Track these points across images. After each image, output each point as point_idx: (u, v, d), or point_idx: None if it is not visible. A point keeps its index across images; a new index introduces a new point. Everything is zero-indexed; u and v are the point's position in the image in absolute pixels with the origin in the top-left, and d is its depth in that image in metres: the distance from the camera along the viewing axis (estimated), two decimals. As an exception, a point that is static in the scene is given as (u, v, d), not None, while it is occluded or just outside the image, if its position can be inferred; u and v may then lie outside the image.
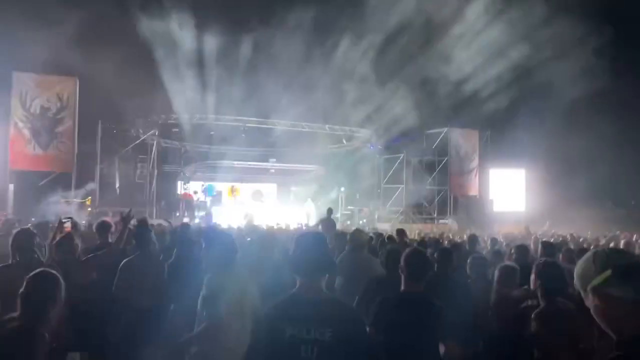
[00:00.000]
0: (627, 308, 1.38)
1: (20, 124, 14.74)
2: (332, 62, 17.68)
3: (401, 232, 7.23)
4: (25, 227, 4.08)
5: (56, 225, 5.73)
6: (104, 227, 4.95)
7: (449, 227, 18.14)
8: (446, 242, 8.39)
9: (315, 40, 16.96)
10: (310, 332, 2.16)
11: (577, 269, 1.53)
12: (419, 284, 3.03)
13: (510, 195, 22.10)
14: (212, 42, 16.44)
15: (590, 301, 1.46)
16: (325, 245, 2.48)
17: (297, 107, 18.20)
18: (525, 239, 9.63)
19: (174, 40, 16.03)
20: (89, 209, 15.82)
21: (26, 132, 14.77)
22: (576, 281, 1.52)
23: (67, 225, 4.93)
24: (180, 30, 15.98)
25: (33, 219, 9.06)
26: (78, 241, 4.40)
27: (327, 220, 9.23)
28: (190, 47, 16.42)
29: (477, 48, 17.42)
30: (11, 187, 13.92)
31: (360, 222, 18.70)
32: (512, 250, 5.36)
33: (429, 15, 16.64)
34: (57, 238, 4.38)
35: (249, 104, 18.12)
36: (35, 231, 3.94)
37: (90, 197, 16.41)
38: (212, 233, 2.47)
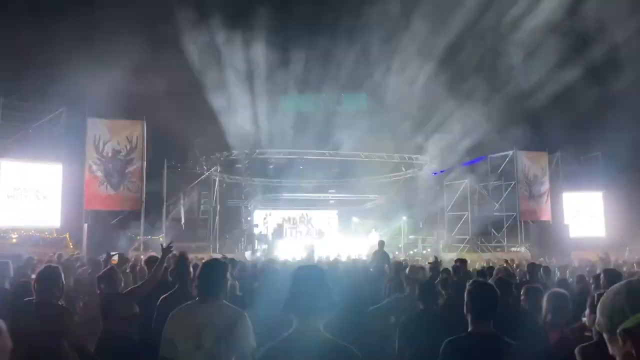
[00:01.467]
0: None
1: (94, 167, 15.67)
2: (388, 87, 17.58)
3: (462, 262, 6.76)
4: (53, 265, 4.14)
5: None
6: (152, 261, 4.98)
7: (521, 256, 17.06)
8: (517, 271, 7.78)
9: (369, 66, 17.00)
10: None
11: (603, 304, 1.17)
12: (487, 322, 2.64)
13: (588, 220, 20.56)
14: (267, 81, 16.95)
15: (618, 347, 1.11)
16: (325, 281, 2.16)
17: (355, 136, 18.16)
18: (604, 266, 8.76)
19: (230, 80, 16.64)
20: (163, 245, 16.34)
21: (99, 174, 15.67)
22: (600, 319, 1.17)
23: (115, 259, 5.03)
24: (235, 72, 16.60)
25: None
26: (122, 275, 4.44)
27: (380, 252, 8.95)
28: (246, 85, 16.99)
29: (542, 62, 16.60)
30: (85, 226, 14.71)
31: (424, 251, 18.05)
32: (591, 280, 4.81)
33: (487, 34, 16.15)
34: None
35: (307, 136, 18.33)
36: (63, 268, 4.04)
37: (163, 235, 16.95)
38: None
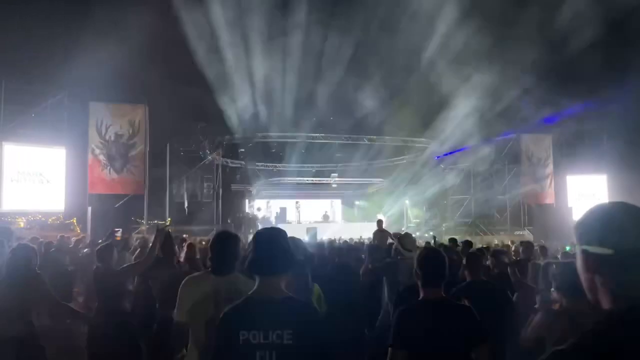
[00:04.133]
0: None
1: (97, 151, 15.70)
2: (389, 71, 17.40)
3: (468, 243, 6.82)
4: (24, 243, 4.31)
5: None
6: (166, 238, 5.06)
7: (524, 239, 17.07)
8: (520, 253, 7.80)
9: (370, 49, 16.82)
10: (267, 336, 1.95)
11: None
12: (437, 289, 2.62)
13: (592, 204, 20.40)
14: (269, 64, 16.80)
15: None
16: (285, 240, 2.20)
17: (356, 120, 18.07)
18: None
19: (233, 64, 16.51)
20: (169, 229, 16.41)
21: (102, 158, 15.70)
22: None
23: (118, 235, 5.13)
24: (236, 55, 16.44)
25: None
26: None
27: (380, 232, 8.95)
28: (249, 69, 16.85)
29: (541, 41, 16.32)
30: (89, 210, 14.79)
31: (427, 234, 18.08)
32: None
33: (481, 15, 15.87)
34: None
35: (308, 120, 18.25)
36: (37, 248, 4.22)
37: (170, 219, 16.96)
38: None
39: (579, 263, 1.19)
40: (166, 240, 4.46)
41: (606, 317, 1.08)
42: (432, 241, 7.56)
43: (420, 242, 14.18)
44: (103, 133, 15.84)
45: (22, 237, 7.80)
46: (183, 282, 2.87)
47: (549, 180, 20.49)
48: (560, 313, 2.83)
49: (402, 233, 8.01)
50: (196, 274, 2.98)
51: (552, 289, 3.51)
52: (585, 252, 1.16)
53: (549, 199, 20.48)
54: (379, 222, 9.54)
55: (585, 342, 1.04)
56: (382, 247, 6.96)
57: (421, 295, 2.66)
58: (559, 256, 7.14)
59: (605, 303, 1.12)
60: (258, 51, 16.81)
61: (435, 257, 2.70)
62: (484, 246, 8.56)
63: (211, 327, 2.56)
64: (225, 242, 2.96)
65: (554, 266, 3.35)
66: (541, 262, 5.02)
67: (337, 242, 10.77)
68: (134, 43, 14.05)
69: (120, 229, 9.19)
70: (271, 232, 2.28)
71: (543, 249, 7.28)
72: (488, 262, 5.51)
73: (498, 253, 5.69)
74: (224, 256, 2.90)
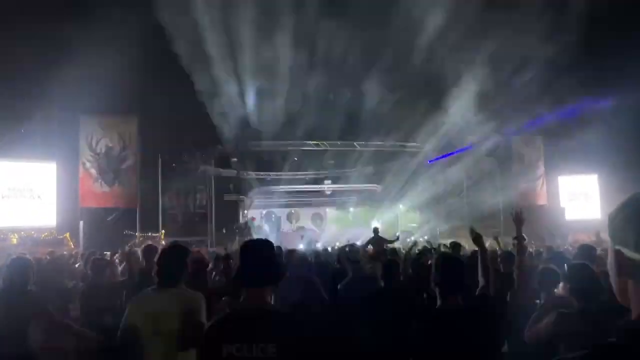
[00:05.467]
0: None
1: (88, 164, 15.60)
2: (377, 75, 17.46)
3: (456, 247, 6.82)
4: (20, 257, 4.18)
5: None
6: (150, 251, 4.96)
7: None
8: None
9: (358, 53, 16.88)
10: (251, 349, 1.93)
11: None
12: (456, 297, 2.58)
13: (583, 203, 20.66)
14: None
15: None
16: (271, 252, 2.21)
17: (345, 125, 18.10)
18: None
19: (223, 73, 16.51)
20: (163, 242, 16.31)
21: (93, 171, 15.59)
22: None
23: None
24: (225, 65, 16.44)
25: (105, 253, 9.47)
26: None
27: (377, 240, 9.00)
28: (240, 78, 16.86)
29: (528, 40, 16.43)
30: (81, 224, 14.66)
31: (421, 238, 18.10)
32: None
33: (470, 16, 15.97)
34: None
35: (298, 127, 18.25)
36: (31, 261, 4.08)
37: (162, 232, 16.88)
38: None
39: (610, 263, 1.07)
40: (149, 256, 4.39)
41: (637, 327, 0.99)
42: (411, 247, 7.52)
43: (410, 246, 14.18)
44: (94, 146, 15.75)
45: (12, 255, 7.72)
46: (130, 301, 2.94)
47: (540, 181, 20.62)
48: (575, 315, 2.81)
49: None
50: (142, 292, 2.98)
51: (555, 290, 3.51)
52: (618, 254, 1.04)
53: (542, 200, 20.60)
54: (376, 230, 9.65)
55: (613, 351, 0.94)
56: (379, 252, 7.01)
57: (439, 303, 2.63)
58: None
59: (637, 310, 1.01)
60: (248, 60, 16.85)
61: (454, 264, 2.68)
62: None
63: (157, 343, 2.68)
64: (171, 256, 2.98)
65: (565, 267, 3.35)
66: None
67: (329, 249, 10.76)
68: (124, 55, 14.02)
69: (108, 253, 9.09)
70: (257, 244, 2.28)
71: (539, 252, 7.32)
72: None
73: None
74: (169, 270, 2.91)
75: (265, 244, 2.25)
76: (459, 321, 2.50)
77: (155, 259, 3.05)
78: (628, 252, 1.01)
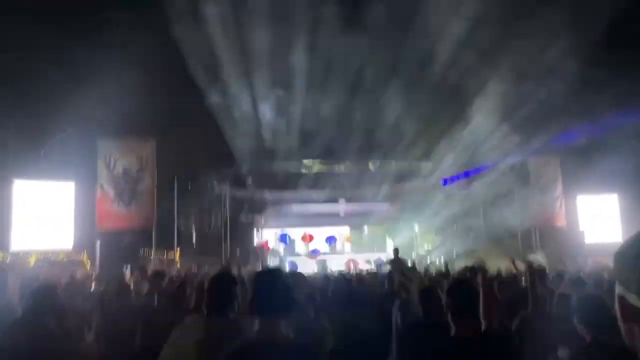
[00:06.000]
0: None
1: (106, 185, 15.77)
2: (394, 93, 17.48)
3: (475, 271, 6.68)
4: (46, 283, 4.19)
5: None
6: (158, 276, 5.01)
7: (538, 261, 16.80)
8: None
9: (374, 71, 16.93)
10: None
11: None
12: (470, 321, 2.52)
13: (604, 225, 20.23)
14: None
15: None
16: (286, 280, 2.22)
17: (360, 146, 18.10)
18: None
19: (239, 95, 16.70)
20: (178, 265, 16.34)
21: (111, 193, 15.76)
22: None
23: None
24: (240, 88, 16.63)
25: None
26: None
27: (396, 261, 8.91)
28: (255, 99, 17.04)
29: (545, 59, 16.32)
30: (98, 243, 14.78)
31: (437, 261, 17.88)
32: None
33: (486, 34, 15.94)
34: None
35: (313, 147, 18.31)
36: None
37: (179, 250, 16.95)
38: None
39: (617, 307, 1.03)
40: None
41: None
42: (426, 271, 7.45)
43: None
44: (111, 168, 15.95)
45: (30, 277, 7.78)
46: (174, 330, 2.81)
47: (558, 202, 20.29)
48: (588, 349, 2.69)
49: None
50: (189, 320, 2.89)
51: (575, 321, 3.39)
52: (621, 299, 1.00)
53: (560, 221, 20.24)
54: (396, 251, 9.63)
55: None
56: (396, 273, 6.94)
57: (452, 330, 2.56)
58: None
59: None
60: (263, 80, 17.02)
61: (467, 288, 2.64)
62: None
63: None
64: (220, 283, 2.93)
65: (574, 298, 3.25)
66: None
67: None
68: (141, 77, 14.30)
69: (129, 266, 9.15)
70: (271, 273, 2.29)
71: (559, 275, 7.17)
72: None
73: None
74: (220, 299, 2.85)
75: (279, 272, 2.26)
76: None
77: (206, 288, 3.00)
78: (631, 297, 0.97)
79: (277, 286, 2.14)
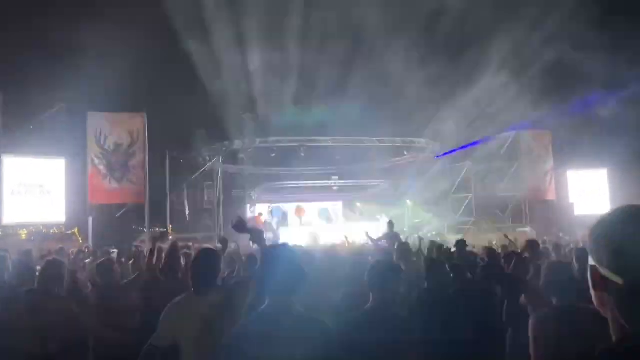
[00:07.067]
0: None
1: (97, 160, 15.68)
2: (385, 70, 17.39)
3: (461, 244, 6.79)
4: (55, 258, 4.22)
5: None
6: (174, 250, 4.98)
7: (527, 236, 17.04)
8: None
9: (365, 49, 16.81)
10: (279, 355, 1.91)
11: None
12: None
13: (593, 198, 20.49)
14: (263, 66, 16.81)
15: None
16: (296, 258, 2.19)
17: (354, 121, 18.05)
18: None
19: (231, 70, 16.50)
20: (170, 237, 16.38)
21: (102, 168, 15.68)
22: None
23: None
24: (234, 60, 16.41)
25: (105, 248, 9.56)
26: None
27: (391, 234, 8.97)
28: (247, 74, 16.85)
29: (540, 36, 16.24)
30: (90, 219, 14.78)
31: (429, 234, 18.03)
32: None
33: (478, 10, 15.82)
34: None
35: (306, 123, 18.24)
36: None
37: (170, 226, 16.96)
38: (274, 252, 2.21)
39: (589, 276, 1.11)
40: (171, 251, 4.38)
41: (616, 342, 1.02)
42: (419, 242, 7.50)
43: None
44: (102, 143, 15.83)
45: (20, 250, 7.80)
46: (167, 307, 2.85)
47: (549, 177, 20.48)
48: (549, 314, 2.73)
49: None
50: (177, 299, 2.94)
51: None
52: (594, 269, 1.08)
53: (550, 195, 20.47)
54: (391, 224, 9.58)
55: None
56: (390, 247, 7.03)
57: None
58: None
59: (616, 325, 1.05)
60: (256, 56, 16.82)
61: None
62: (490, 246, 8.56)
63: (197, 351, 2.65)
64: (205, 259, 2.97)
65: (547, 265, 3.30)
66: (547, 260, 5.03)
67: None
68: (132, 52, 14.09)
69: (116, 250, 9.09)
70: (283, 250, 2.24)
71: (557, 246, 7.34)
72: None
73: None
74: (205, 274, 2.90)
75: (289, 251, 2.22)
76: None
77: (185, 262, 3.06)
78: (602, 270, 1.05)
79: (286, 265, 2.11)
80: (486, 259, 5.78)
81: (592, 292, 1.12)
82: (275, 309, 2.05)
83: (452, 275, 4.16)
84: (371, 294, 2.73)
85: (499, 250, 7.46)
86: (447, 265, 4.27)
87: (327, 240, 12.77)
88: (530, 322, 2.61)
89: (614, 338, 1.05)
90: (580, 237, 13.36)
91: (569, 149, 20.63)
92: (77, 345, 3.46)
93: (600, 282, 1.06)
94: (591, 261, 1.10)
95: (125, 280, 4.56)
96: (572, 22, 15.19)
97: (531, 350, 2.50)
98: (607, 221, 1.11)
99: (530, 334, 2.55)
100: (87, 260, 8.03)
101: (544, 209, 19.93)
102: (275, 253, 2.22)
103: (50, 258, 4.39)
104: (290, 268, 2.10)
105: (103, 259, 4.68)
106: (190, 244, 10.88)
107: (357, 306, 2.82)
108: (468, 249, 6.93)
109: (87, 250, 10.74)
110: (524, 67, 16.84)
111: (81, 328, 3.57)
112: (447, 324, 3.17)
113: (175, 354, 2.74)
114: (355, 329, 2.41)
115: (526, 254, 5.76)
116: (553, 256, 6.68)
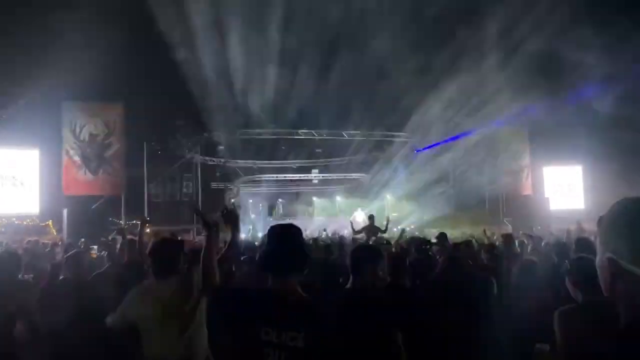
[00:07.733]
0: None
1: (71, 151, 15.34)
2: (365, 65, 17.40)
3: (442, 237, 6.85)
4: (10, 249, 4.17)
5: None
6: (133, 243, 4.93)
7: (503, 229, 17.30)
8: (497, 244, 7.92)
9: (346, 42, 16.77)
10: (280, 336, 1.89)
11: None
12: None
13: (568, 194, 20.96)
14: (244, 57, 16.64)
15: None
16: (300, 238, 2.13)
17: (334, 115, 18.05)
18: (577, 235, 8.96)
19: (210, 60, 16.28)
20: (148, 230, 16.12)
21: (77, 159, 15.34)
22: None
23: (93, 252, 5.01)
24: (214, 51, 16.19)
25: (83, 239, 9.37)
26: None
27: (371, 227, 9.03)
28: (227, 65, 16.64)
29: (517, 32, 16.42)
30: (65, 211, 14.46)
31: (408, 228, 18.19)
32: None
33: (456, 8, 15.92)
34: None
35: (287, 116, 18.15)
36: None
37: (147, 218, 16.68)
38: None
39: (602, 267, 1.08)
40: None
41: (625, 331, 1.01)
42: (400, 234, 7.59)
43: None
44: (77, 133, 15.48)
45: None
46: (129, 293, 3.01)
47: (526, 172, 20.84)
48: (574, 308, 2.73)
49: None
50: (141, 284, 3.13)
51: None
52: (613, 263, 1.04)
53: (527, 190, 20.84)
54: (372, 217, 9.68)
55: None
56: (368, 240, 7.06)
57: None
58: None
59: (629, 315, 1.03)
60: (236, 46, 16.62)
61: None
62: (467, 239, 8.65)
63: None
64: (164, 247, 3.15)
65: (566, 262, 3.27)
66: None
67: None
68: (108, 40, 13.76)
69: (95, 247, 8.92)
70: (286, 229, 2.16)
71: (530, 237, 7.47)
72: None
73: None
74: (163, 260, 3.08)
75: (293, 229, 2.15)
76: None
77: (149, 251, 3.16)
78: (624, 264, 1.00)
79: (289, 244, 2.06)
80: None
81: (604, 284, 1.08)
82: (276, 291, 2.02)
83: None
84: (351, 276, 2.79)
85: (476, 245, 7.55)
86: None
87: (308, 232, 12.79)
88: (555, 316, 2.63)
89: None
90: (555, 230, 13.62)
91: (545, 146, 20.99)
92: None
93: (622, 276, 1.02)
94: (599, 253, 1.07)
95: (96, 272, 4.47)
96: (550, 19, 15.41)
97: (557, 345, 2.51)
98: (621, 212, 1.05)
99: (555, 327, 2.57)
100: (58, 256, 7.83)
101: (520, 203, 20.26)
102: (278, 230, 2.16)
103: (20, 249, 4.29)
104: (293, 248, 2.06)
105: (72, 252, 4.56)
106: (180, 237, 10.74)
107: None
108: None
109: (61, 243, 10.51)
110: (503, 63, 16.99)
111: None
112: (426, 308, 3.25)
113: (132, 336, 2.86)
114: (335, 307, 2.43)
115: (500, 248, 5.89)
116: (529, 250, 6.80)
